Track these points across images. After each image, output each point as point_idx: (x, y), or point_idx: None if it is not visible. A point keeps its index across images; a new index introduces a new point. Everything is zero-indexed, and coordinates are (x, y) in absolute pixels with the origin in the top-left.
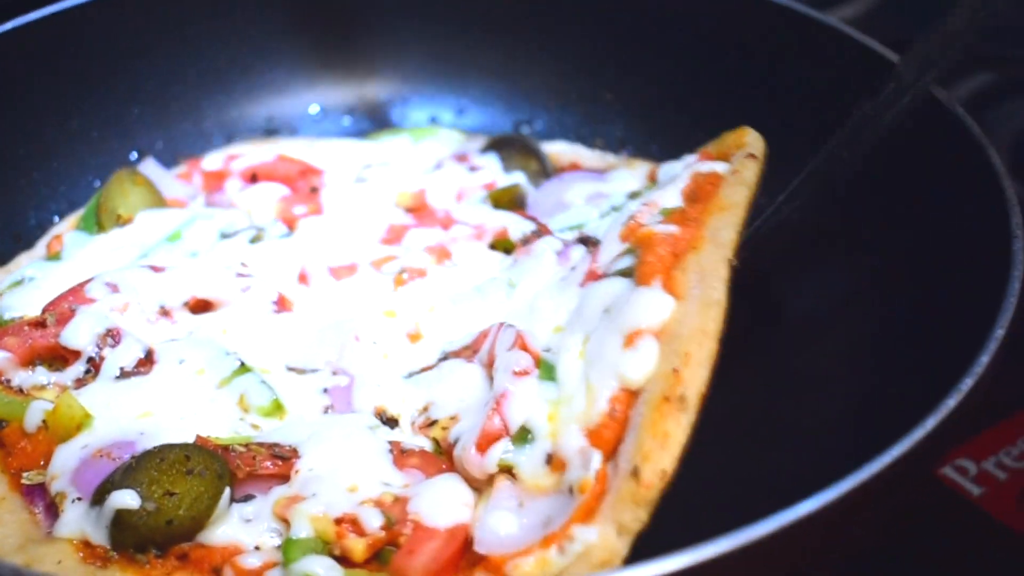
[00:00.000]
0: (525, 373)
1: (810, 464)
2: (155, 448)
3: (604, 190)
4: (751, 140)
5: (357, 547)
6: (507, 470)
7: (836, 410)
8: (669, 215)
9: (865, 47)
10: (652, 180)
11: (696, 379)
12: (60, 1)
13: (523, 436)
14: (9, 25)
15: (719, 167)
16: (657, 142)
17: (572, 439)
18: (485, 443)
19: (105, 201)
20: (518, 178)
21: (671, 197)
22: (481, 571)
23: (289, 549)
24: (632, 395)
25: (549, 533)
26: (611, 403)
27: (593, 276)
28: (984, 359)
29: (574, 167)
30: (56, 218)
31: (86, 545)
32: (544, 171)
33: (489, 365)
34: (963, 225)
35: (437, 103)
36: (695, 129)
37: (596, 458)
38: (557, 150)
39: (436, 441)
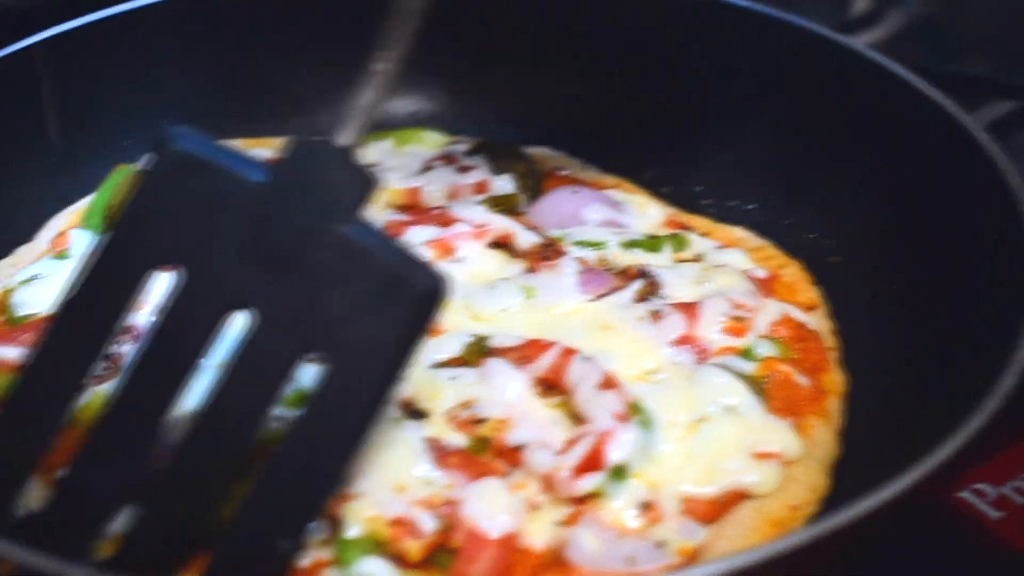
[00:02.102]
0: (625, 418)
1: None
2: None
3: (622, 221)
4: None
5: (413, 549)
6: (593, 497)
7: (856, 429)
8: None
9: (887, 71)
10: (672, 226)
11: (801, 520)
12: None
13: (620, 474)
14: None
15: (809, 322)
16: (654, 168)
17: (671, 502)
18: (583, 470)
19: (112, 201)
20: (507, 181)
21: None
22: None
23: (345, 550)
24: (739, 496)
25: (635, 571)
26: (723, 494)
27: (700, 350)
28: (1009, 380)
29: (554, 172)
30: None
31: None
32: (532, 174)
33: (549, 379)
34: (986, 248)
35: (462, 119)
36: (700, 152)
37: (701, 533)
38: (539, 153)
39: (477, 439)
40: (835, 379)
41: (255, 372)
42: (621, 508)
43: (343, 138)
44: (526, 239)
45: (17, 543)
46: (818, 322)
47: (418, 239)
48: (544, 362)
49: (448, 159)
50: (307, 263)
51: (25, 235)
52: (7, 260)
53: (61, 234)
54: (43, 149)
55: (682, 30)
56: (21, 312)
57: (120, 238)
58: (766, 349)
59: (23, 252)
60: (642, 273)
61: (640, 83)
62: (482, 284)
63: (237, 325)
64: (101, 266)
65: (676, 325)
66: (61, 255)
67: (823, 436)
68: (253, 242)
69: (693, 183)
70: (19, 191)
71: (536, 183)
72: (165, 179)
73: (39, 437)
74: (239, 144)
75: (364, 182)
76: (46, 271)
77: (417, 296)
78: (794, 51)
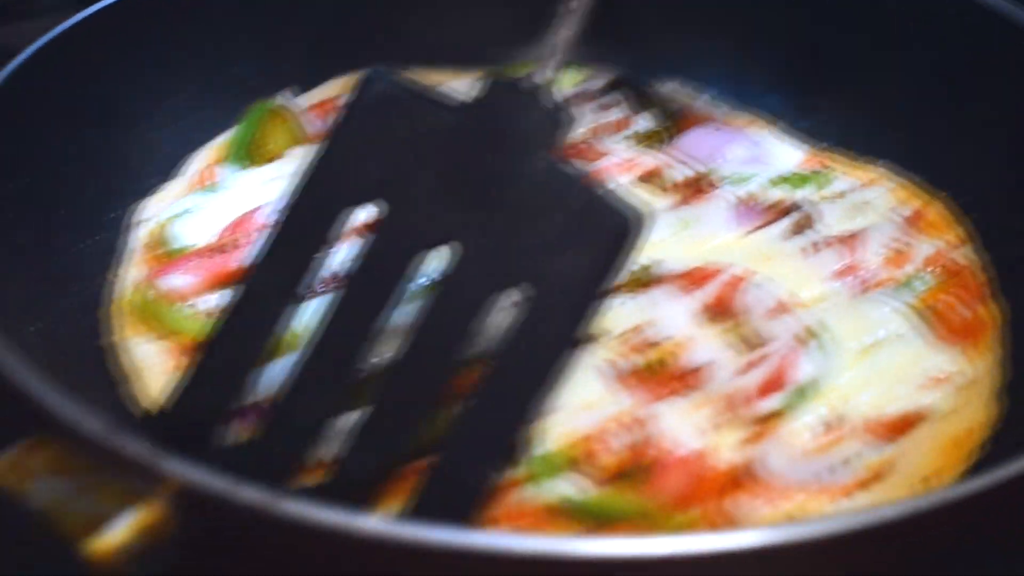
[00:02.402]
0: (803, 340)
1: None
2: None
3: (764, 158)
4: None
5: (608, 466)
6: (775, 416)
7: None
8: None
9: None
10: (812, 164)
11: (976, 443)
12: None
13: (801, 394)
14: None
15: (959, 257)
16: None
17: (852, 422)
18: (766, 390)
19: (258, 137)
20: (647, 119)
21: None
22: (742, 495)
23: (539, 467)
24: (916, 417)
25: (825, 486)
26: (901, 415)
27: (862, 281)
28: None
29: (688, 110)
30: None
31: None
32: (669, 112)
33: (716, 305)
34: None
35: (602, 52)
36: (837, 104)
37: (888, 450)
38: (669, 90)
39: (650, 362)
40: (993, 310)
41: (457, 304)
42: (804, 427)
43: (539, 76)
44: (675, 173)
45: (226, 472)
46: (969, 256)
47: None
48: (712, 288)
49: (586, 96)
50: (506, 198)
51: (169, 172)
52: (155, 196)
53: (207, 168)
54: (181, 86)
55: None
56: (178, 244)
57: (323, 172)
58: (925, 281)
59: (170, 188)
60: (794, 207)
61: (775, 19)
62: None
63: (438, 258)
64: (304, 200)
65: (838, 256)
66: (210, 189)
67: (990, 362)
68: (453, 177)
69: (827, 121)
70: (160, 130)
71: (674, 121)
72: (369, 113)
73: (240, 373)
74: None
75: (560, 119)
76: (196, 204)
77: (616, 229)
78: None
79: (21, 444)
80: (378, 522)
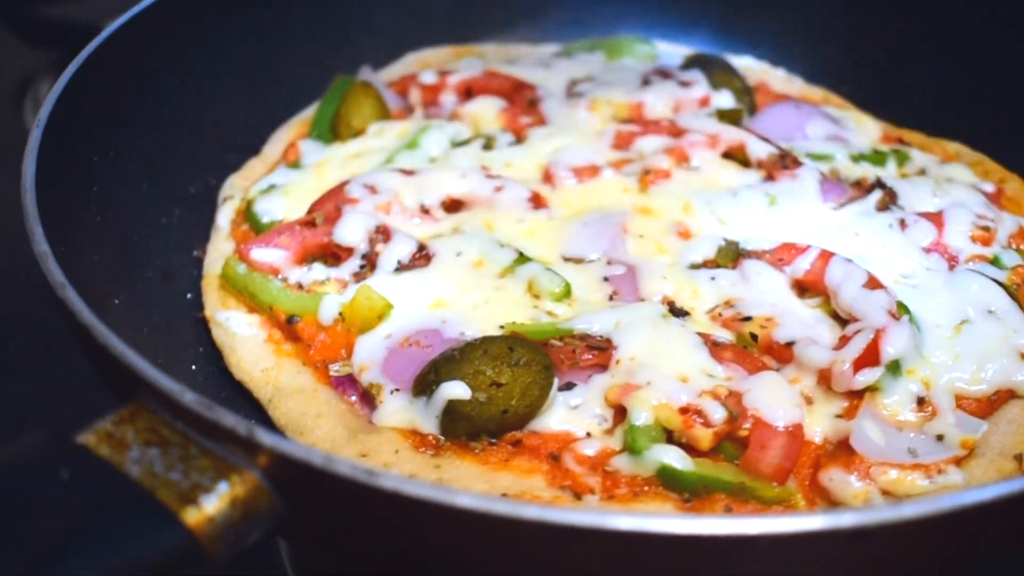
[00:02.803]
0: (896, 315)
1: None
2: (476, 340)
3: (842, 135)
4: None
5: (705, 437)
6: (871, 390)
7: None
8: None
9: None
10: (889, 141)
11: None
12: None
13: (895, 369)
14: None
15: None
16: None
17: (945, 397)
18: (862, 364)
19: (343, 113)
20: (726, 96)
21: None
22: (837, 468)
23: (636, 437)
24: (1008, 394)
25: (918, 462)
26: (994, 392)
27: (950, 257)
28: None
29: (764, 86)
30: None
31: (414, 434)
32: (746, 90)
33: (807, 281)
34: None
35: (677, 27)
36: (927, 77)
37: (982, 427)
38: (744, 66)
39: (743, 336)
40: None
41: None
42: (897, 403)
43: None
44: (760, 149)
45: None
46: None
47: (651, 147)
48: (802, 264)
49: (664, 74)
50: None
51: (253, 148)
52: (239, 173)
53: (291, 145)
54: (262, 61)
55: None
56: (266, 219)
57: None
58: (1013, 258)
59: (254, 165)
60: (879, 184)
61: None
62: (723, 191)
63: None
64: None
65: (925, 233)
66: (295, 164)
67: None
68: None
69: (900, 99)
70: (242, 107)
71: (751, 98)
72: None
73: None
74: (450, 52)
75: None
76: (282, 180)
77: None
78: None
79: (116, 415)
80: (471, 498)
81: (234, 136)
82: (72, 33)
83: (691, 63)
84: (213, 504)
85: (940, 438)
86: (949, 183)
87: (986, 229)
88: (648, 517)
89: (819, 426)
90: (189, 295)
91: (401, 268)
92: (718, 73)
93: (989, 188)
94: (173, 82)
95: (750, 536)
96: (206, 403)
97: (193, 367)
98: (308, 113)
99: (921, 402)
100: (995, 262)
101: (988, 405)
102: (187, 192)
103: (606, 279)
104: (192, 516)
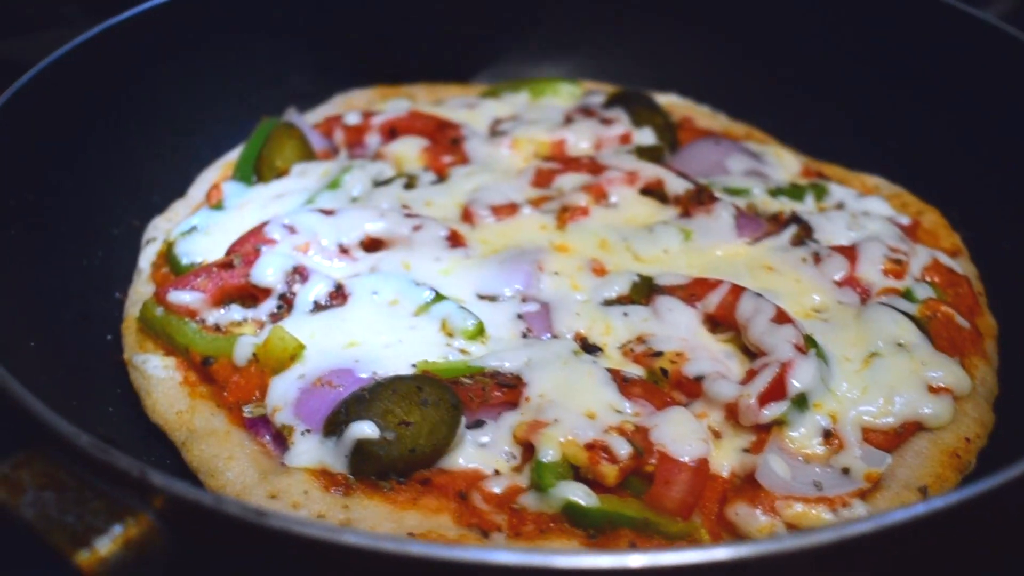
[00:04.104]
0: (803, 349)
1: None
2: (386, 380)
3: (763, 170)
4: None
5: (611, 473)
6: (777, 424)
7: (1012, 369)
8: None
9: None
10: (809, 175)
11: (974, 453)
12: None
13: (802, 403)
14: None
15: (955, 266)
16: (808, 120)
17: (852, 430)
18: (768, 398)
19: (266, 154)
20: (647, 133)
21: (920, 281)
22: (742, 503)
23: (543, 474)
24: (915, 426)
25: (823, 496)
26: (901, 425)
27: (863, 291)
28: None
29: (687, 122)
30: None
31: (324, 474)
32: (668, 126)
33: (718, 315)
34: None
35: (597, 64)
36: (830, 115)
37: (886, 460)
38: (669, 102)
39: (653, 371)
40: (989, 322)
41: None
42: (804, 436)
43: None
44: (677, 185)
45: None
46: (965, 267)
47: (571, 184)
48: (713, 299)
49: (587, 111)
50: None
51: (178, 191)
52: (164, 216)
53: (214, 186)
54: (188, 108)
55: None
56: (186, 261)
57: None
58: (925, 291)
59: (178, 207)
60: (794, 218)
61: (769, 35)
62: (640, 227)
63: None
64: None
65: (838, 266)
66: (217, 206)
67: (986, 374)
68: None
69: (822, 133)
70: (168, 150)
71: (673, 134)
72: None
73: None
74: (377, 92)
75: None
76: (204, 222)
77: None
78: (926, 21)
79: (13, 458)
80: (358, 536)
81: (160, 177)
82: None
83: (614, 101)
84: (106, 546)
85: (846, 471)
86: (865, 216)
87: (898, 263)
88: (535, 553)
89: (727, 460)
90: (109, 336)
91: (318, 308)
92: (641, 110)
93: (905, 221)
94: (98, 123)
95: (632, 570)
96: (100, 446)
97: (110, 409)
98: (234, 155)
99: (828, 435)
100: (907, 295)
101: (895, 438)
102: (110, 234)
103: (520, 316)
104: (84, 558)
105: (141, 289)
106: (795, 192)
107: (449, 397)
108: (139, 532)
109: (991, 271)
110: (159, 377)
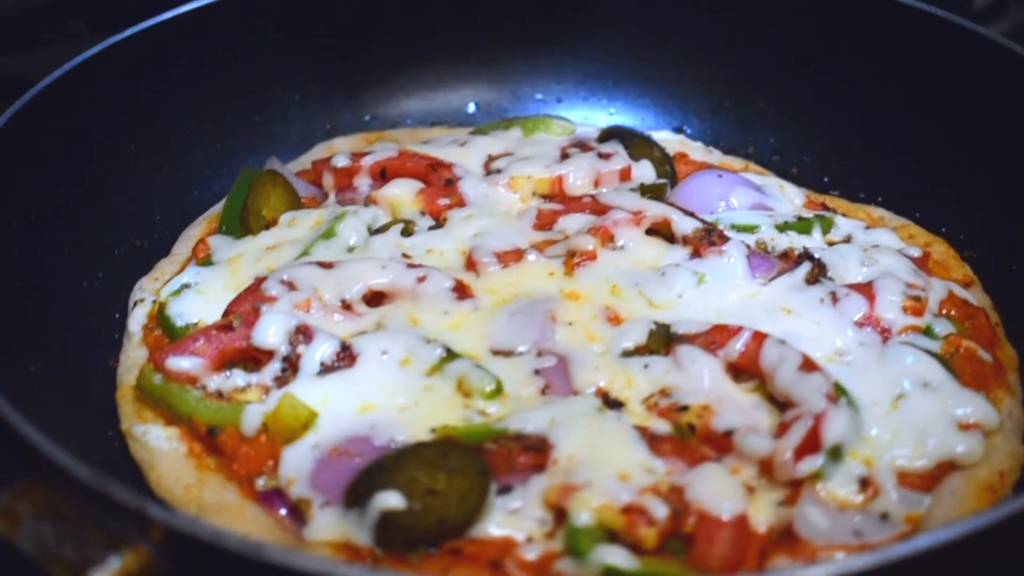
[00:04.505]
0: (834, 398)
1: None
2: (408, 447)
3: (767, 203)
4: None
5: (650, 536)
6: (813, 477)
7: None
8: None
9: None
10: (812, 207)
11: (1009, 486)
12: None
13: (837, 454)
14: (136, 28)
15: (970, 297)
16: (806, 152)
17: (887, 475)
18: (803, 452)
19: (251, 204)
20: (646, 166)
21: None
22: (783, 556)
23: (578, 539)
24: (949, 465)
25: (865, 543)
26: (935, 466)
27: (883, 330)
28: None
29: (684, 156)
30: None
31: (347, 547)
32: (666, 159)
33: (741, 364)
34: None
35: (591, 105)
36: (845, 142)
37: (925, 501)
38: (661, 138)
39: (680, 426)
40: (1009, 352)
41: None
42: (839, 485)
43: None
44: (685, 225)
45: None
46: (979, 297)
47: (575, 226)
48: (735, 347)
49: (582, 146)
50: None
51: (163, 249)
52: (149, 275)
53: (200, 241)
54: (166, 163)
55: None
56: (180, 323)
57: None
58: (945, 327)
59: (164, 266)
60: (807, 255)
61: (767, 65)
62: (650, 270)
63: None
64: None
65: (856, 306)
66: (206, 262)
67: (1012, 406)
68: None
69: (822, 165)
70: (149, 206)
71: (672, 167)
72: None
73: None
74: (360, 139)
75: None
76: (194, 279)
77: None
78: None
79: (10, 488)
80: (359, 570)
81: (162, 197)
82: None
83: (608, 135)
84: None
85: (884, 516)
86: (876, 250)
87: (917, 299)
88: None
89: (763, 515)
90: (111, 361)
91: (325, 370)
92: (636, 144)
93: (916, 253)
94: (101, 140)
95: None
96: (98, 477)
97: (109, 433)
98: (216, 209)
99: (864, 482)
100: (928, 332)
101: (930, 479)
102: (112, 254)
103: (537, 372)
104: None
105: (133, 354)
106: (803, 226)
107: (477, 463)
108: (137, 564)
109: (1004, 297)
110: (162, 449)
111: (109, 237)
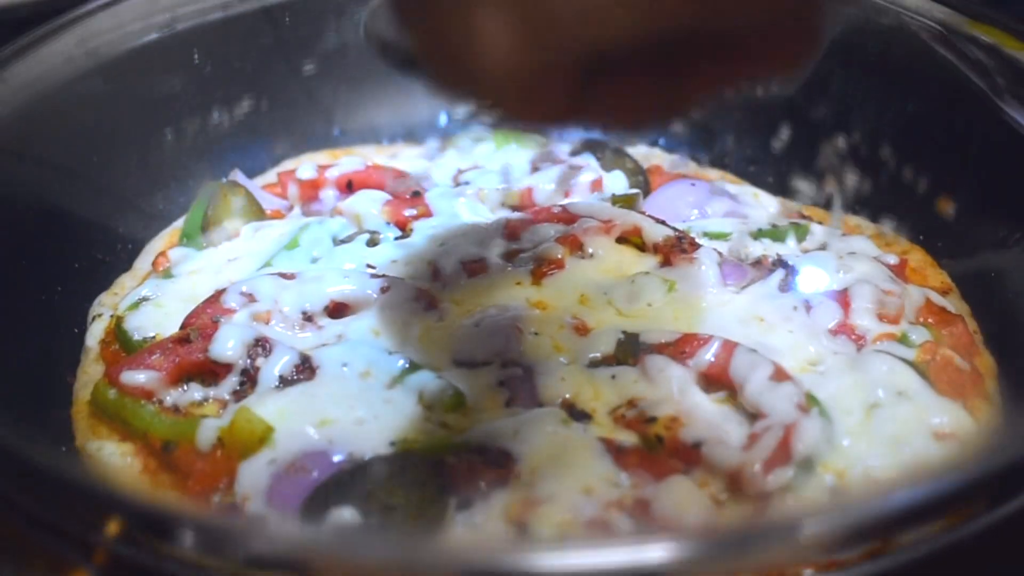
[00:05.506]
0: (805, 408)
1: None
2: (367, 461)
3: (742, 211)
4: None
5: None
6: (781, 489)
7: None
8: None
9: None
10: (788, 215)
11: None
12: None
13: (807, 466)
14: None
15: (948, 305)
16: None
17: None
18: (773, 464)
19: (212, 214)
20: (618, 177)
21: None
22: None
23: None
24: None
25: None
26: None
27: (857, 338)
28: None
29: (658, 168)
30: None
31: None
32: (639, 170)
33: (711, 374)
34: None
35: None
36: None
37: None
38: (636, 152)
39: (648, 438)
40: (987, 361)
41: None
42: (811, 498)
43: None
44: (656, 233)
45: None
46: (956, 305)
47: (543, 236)
48: (705, 356)
49: (553, 159)
50: None
51: (125, 263)
52: (109, 291)
53: (161, 254)
54: (129, 176)
55: None
56: (137, 337)
57: None
58: (921, 335)
59: (124, 280)
60: (780, 262)
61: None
62: (620, 279)
63: None
64: None
65: (830, 314)
66: (166, 274)
67: (989, 416)
68: None
69: (793, 175)
70: (112, 220)
71: (645, 178)
72: None
73: None
74: (327, 156)
75: None
76: (153, 292)
77: None
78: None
79: None
80: None
81: (124, 210)
82: None
83: (581, 148)
84: None
85: None
86: (852, 257)
87: (892, 306)
88: None
89: None
90: (68, 378)
91: (284, 383)
92: (609, 156)
93: (892, 260)
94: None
95: None
96: (40, 500)
97: (64, 449)
98: (179, 223)
99: (836, 494)
100: (903, 340)
101: None
102: (72, 268)
103: (502, 383)
104: None
105: (90, 370)
106: (776, 233)
107: (434, 476)
108: None
109: (982, 304)
110: (116, 466)
111: (69, 250)
